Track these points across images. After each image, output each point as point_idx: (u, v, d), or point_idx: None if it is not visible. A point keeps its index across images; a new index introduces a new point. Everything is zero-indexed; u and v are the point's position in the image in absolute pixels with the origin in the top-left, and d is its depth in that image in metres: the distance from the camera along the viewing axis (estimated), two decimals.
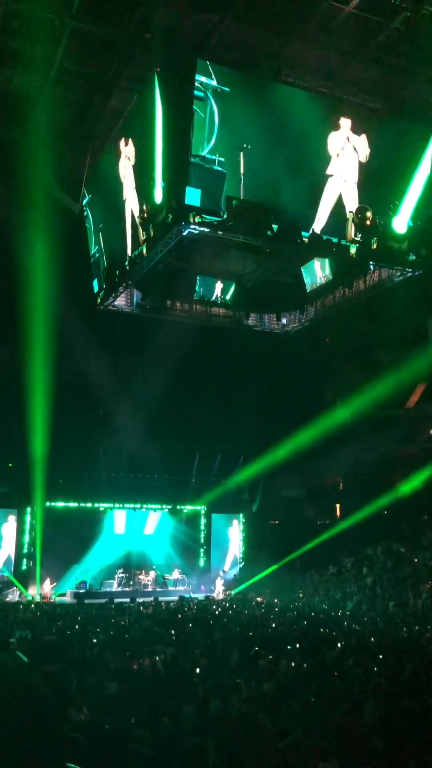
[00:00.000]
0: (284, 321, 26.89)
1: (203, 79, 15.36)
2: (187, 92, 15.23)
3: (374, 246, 17.27)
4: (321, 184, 17.08)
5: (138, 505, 30.67)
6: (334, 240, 17.24)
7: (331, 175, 17.04)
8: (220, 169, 15.76)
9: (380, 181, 17.65)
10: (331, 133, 16.94)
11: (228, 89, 15.66)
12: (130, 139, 18.09)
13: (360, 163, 17.27)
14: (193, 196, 15.51)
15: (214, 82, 15.47)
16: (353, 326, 27.98)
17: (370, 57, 16.29)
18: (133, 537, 30.61)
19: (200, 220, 15.80)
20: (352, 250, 17.24)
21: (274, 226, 16.58)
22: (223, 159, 15.75)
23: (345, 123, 17.02)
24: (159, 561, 30.38)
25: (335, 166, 17.06)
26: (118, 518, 30.56)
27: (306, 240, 17.03)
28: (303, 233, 16.96)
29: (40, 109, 18.03)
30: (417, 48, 15.94)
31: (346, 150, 17.12)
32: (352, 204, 17.12)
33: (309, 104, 17.06)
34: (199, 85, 15.41)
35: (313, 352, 30.59)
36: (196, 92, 15.41)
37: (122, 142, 18.33)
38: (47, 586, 26.51)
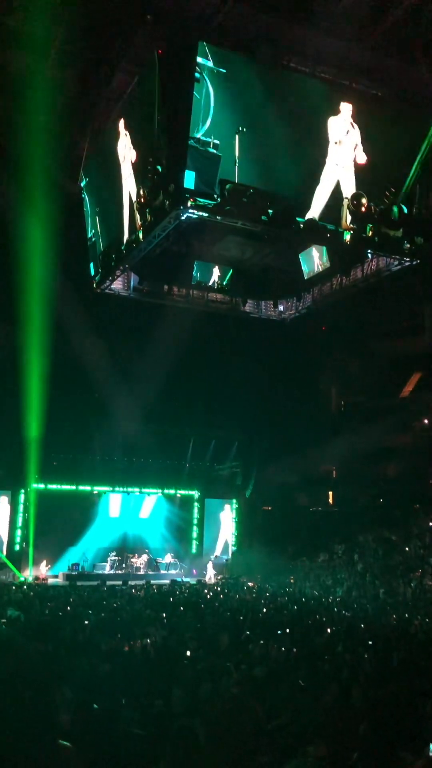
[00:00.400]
0: (281, 308, 26.88)
1: (200, 59, 15.12)
2: (188, 76, 15.06)
3: (369, 233, 17.19)
4: (318, 170, 16.98)
5: (132, 489, 30.77)
6: (330, 227, 17.15)
7: (329, 162, 16.92)
8: (214, 151, 15.51)
9: (377, 167, 17.53)
10: (331, 118, 16.78)
11: (224, 70, 15.41)
12: (129, 122, 17.94)
13: (358, 149, 17.15)
14: (187, 179, 15.41)
15: (210, 63, 15.28)
16: (350, 314, 27.98)
17: (373, 43, 16.17)
18: (129, 520, 30.77)
19: (194, 204, 15.69)
20: (347, 237, 17.15)
21: (270, 211, 16.48)
22: (218, 142, 15.53)
23: (346, 108, 16.84)
24: (154, 545, 30.58)
25: (334, 152, 16.93)
26: (113, 501, 30.68)
27: (301, 226, 16.93)
28: (299, 219, 16.87)
29: (39, 90, 17.88)
30: (420, 35, 15.84)
31: (347, 136, 16.99)
32: (349, 191, 17.04)
33: (309, 88, 16.91)
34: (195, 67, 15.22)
35: (309, 339, 30.60)
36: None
37: (121, 124, 18.17)
38: (43, 568, 26.66)
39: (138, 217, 17.41)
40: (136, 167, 17.65)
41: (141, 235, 17.83)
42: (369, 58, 16.63)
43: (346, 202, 16.80)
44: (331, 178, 16.97)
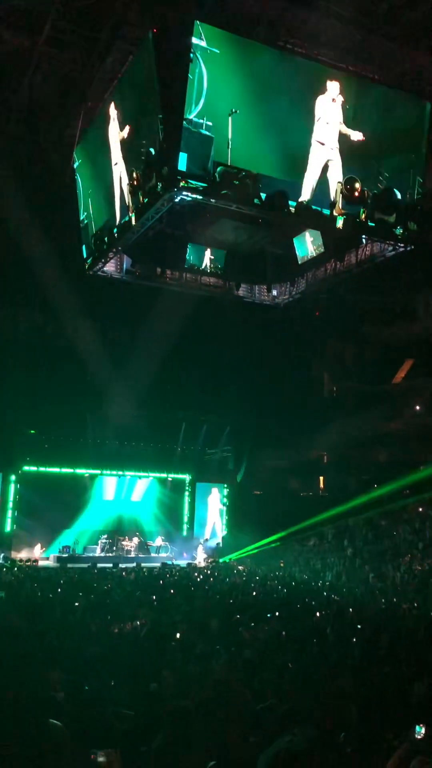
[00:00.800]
0: (275, 293, 26.79)
1: (193, 39, 14.91)
2: (184, 56, 14.88)
3: (362, 218, 17.05)
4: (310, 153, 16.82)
5: (123, 473, 30.81)
6: (324, 211, 17.02)
7: (316, 143, 16.72)
8: (207, 133, 15.36)
9: (370, 151, 17.37)
10: (319, 97, 16.54)
11: (218, 51, 15.15)
12: (122, 103, 17.73)
13: (346, 130, 16.94)
14: (180, 160, 15.25)
15: (203, 43, 15.07)
16: (343, 300, 27.95)
17: (372, 26, 16.00)
18: (122, 503, 30.87)
19: (185, 185, 15.54)
20: (340, 222, 17.01)
21: (262, 195, 16.34)
22: (210, 123, 15.36)
23: (333, 87, 16.56)
24: (145, 527, 30.69)
25: (321, 133, 16.72)
26: (107, 484, 30.74)
27: (293, 210, 16.78)
28: (291, 203, 16.73)
29: (32, 68, 17.64)
30: (420, 18, 15.68)
31: (336, 118, 16.78)
32: (337, 173, 16.86)
33: (304, 70, 16.66)
34: None
35: (302, 324, 30.58)
36: None
37: (114, 105, 17.96)
38: (38, 551, 26.69)
39: (130, 199, 17.26)
40: (128, 150, 17.48)
41: (133, 218, 17.70)
42: (368, 40, 16.47)
43: (339, 187, 16.66)
44: (320, 160, 16.81)
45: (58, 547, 27.71)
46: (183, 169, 15.22)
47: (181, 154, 15.09)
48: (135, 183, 16.72)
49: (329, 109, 16.61)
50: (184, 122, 15.02)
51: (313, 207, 16.83)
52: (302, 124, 16.65)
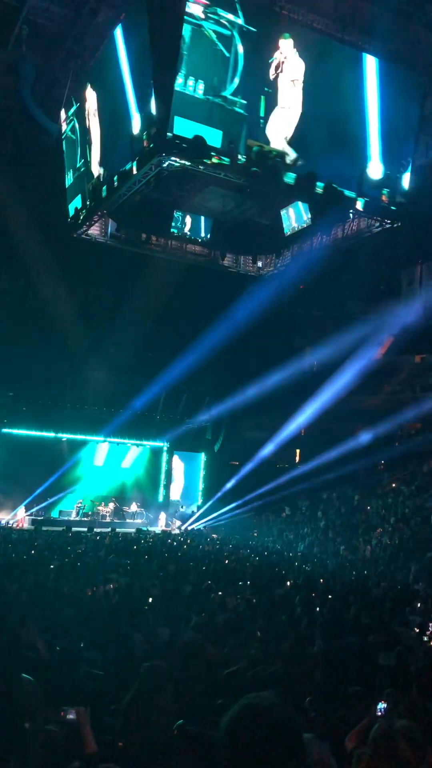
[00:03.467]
0: (260, 264, 26.71)
1: (230, 16, 14.88)
2: (177, 12, 14.54)
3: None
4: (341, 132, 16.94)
5: (101, 439, 30.78)
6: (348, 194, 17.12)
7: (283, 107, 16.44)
8: (241, 111, 15.48)
9: (364, 127, 17.23)
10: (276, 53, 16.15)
11: (255, 30, 15.18)
12: (112, 65, 17.29)
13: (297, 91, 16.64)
14: (184, 127, 15.06)
15: (240, 21, 14.96)
16: (328, 274, 27.87)
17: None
18: (105, 469, 30.96)
19: (177, 153, 15.31)
20: (319, 189, 16.97)
21: (291, 175, 16.35)
22: (245, 101, 15.45)
23: (287, 45, 16.11)
24: (121, 493, 30.83)
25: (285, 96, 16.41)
26: (90, 450, 30.74)
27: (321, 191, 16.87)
28: (319, 183, 16.77)
29: (22, 20, 17.18)
30: None
31: (287, 76, 16.45)
32: (287, 131, 16.63)
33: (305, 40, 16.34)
34: (225, 23, 14.96)
35: (286, 297, 30.48)
36: (221, 30, 14.96)
37: (106, 64, 17.53)
38: (21, 514, 26.69)
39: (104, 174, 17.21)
40: (110, 119, 17.26)
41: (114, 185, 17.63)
42: (365, 10, 16.25)
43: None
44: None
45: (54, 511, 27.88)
46: (218, 146, 15.31)
47: (176, 118, 14.94)
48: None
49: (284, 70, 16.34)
50: (219, 99, 15.15)
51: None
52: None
